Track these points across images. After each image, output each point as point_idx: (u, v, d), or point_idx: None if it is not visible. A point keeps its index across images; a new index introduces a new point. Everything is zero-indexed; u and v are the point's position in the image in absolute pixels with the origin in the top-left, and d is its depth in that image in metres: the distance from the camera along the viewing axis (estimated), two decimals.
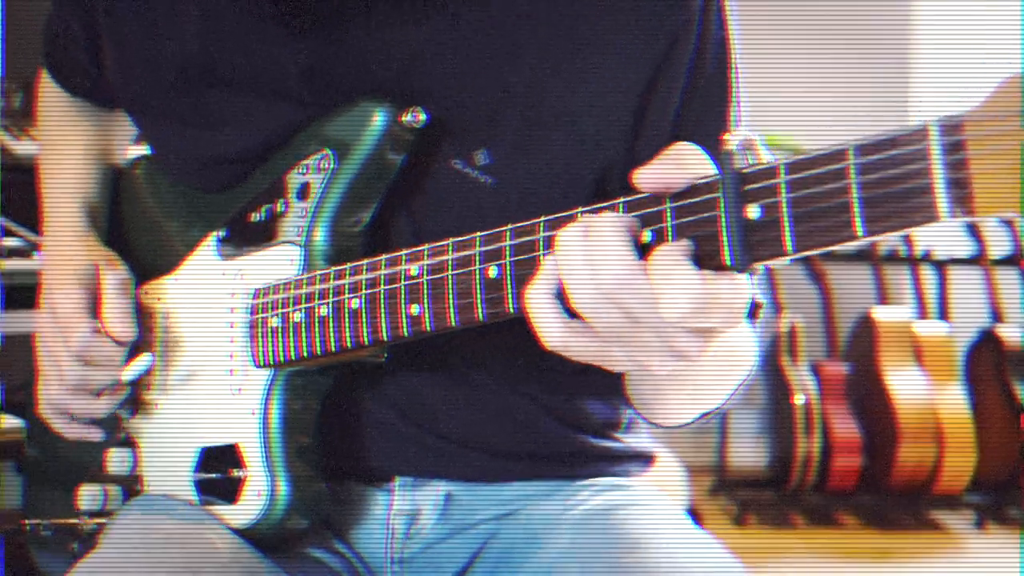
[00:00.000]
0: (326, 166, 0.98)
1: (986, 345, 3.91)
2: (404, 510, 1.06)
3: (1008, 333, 3.87)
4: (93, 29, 1.13)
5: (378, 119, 0.96)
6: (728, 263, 0.67)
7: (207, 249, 1.06)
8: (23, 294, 1.95)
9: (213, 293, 1.04)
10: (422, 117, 0.96)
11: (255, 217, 1.02)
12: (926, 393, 3.72)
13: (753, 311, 1.03)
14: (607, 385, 1.11)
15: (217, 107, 1.05)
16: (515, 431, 1.05)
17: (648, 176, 0.70)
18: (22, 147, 2.27)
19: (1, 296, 1.94)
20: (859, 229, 0.62)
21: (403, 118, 0.96)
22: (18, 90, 2.38)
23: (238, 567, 0.91)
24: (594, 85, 0.97)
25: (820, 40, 4.28)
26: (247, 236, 1.03)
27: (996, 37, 4.05)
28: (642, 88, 0.97)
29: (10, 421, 2.01)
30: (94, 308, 1.07)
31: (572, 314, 0.72)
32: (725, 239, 0.67)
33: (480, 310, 0.81)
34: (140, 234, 1.17)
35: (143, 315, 1.10)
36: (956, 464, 3.68)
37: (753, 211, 0.66)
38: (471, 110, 0.98)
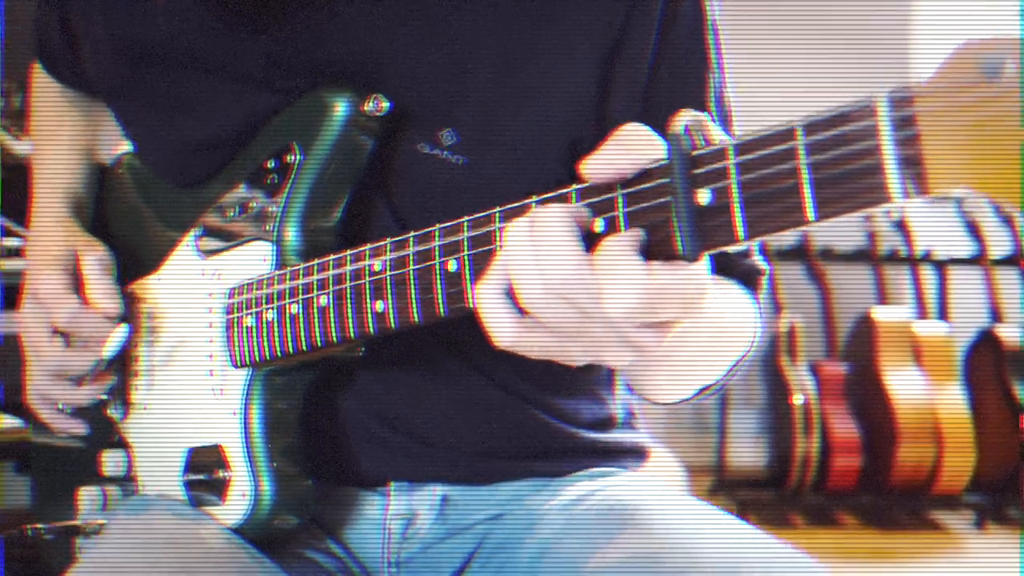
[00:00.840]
0: (293, 160, 0.97)
1: (985, 345, 3.91)
2: (400, 512, 1.05)
3: (1007, 333, 3.87)
4: (67, 18, 1.13)
5: (340, 110, 0.95)
6: (680, 251, 0.64)
7: (186, 247, 1.05)
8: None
9: (192, 292, 1.03)
10: (384, 105, 0.95)
11: (228, 214, 1.01)
12: (925, 393, 3.72)
13: (755, 281, 1.02)
14: (599, 378, 1.11)
15: (186, 90, 1.04)
16: (506, 430, 1.05)
17: (595, 165, 0.67)
18: (22, 147, 2.27)
19: (1, 296, 1.93)
20: (810, 213, 0.59)
21: (365, 107, 0.95)
22: (18, 90, 2.38)
23: (234, 566, 0.91)
24: (554, 57, 0.96)
25: (819, 40, 4.28)
26: (222, 233, 1.02)
27: (995, 32, 4.05)
28: (603, 57, 0.96)
29: (10, 421, 2.00)
30: (77, 290, 1.06)
31: (523, 311, 0.70)
32: (676, 227, 0.64)
33: (441, 305, 0.79)
34: (125, 232, 1.16)
35: (129, 309, 1.09)
36: (955, 464, 3.68)
37: (704, 196, 0.62)
38: (433, 91, 0.97)
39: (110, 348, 1.04)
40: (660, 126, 0.92)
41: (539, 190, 0.74)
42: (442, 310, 0.79)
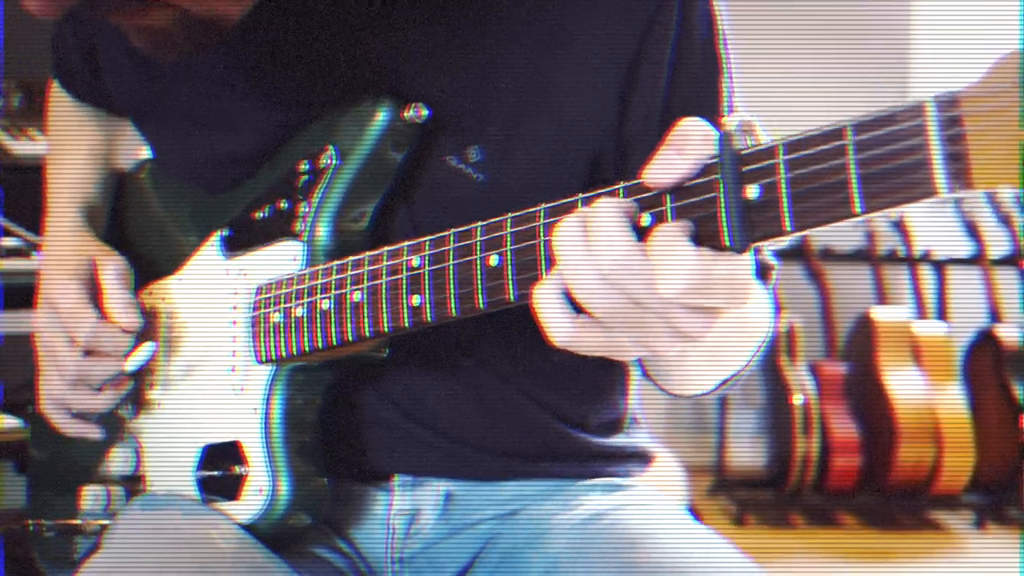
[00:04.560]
0: (329, 163, 0.98)
1: (985, 345, 3.91)
2: (404, 509, 1.06)
3: (1007, 333, 3.87)
4: (86, 40, 1.14)
5: (381, 116, 0.97)
6: (727, 243, 0.67)
7: (211, 248, 1.07)
8: (23, 294, 1.95)
9: (216, 292, 1.04)
10: (424, 113, 0.97)
11: (259, 215, 1.03)
12: (925, 393, 3.73)
13: (765, 273, 1.03)
14: (608, 383, 1.11)
15: (215, 108, 1.05)
16: (515, 429, 1.06)
17: (656, 171, 0.69)
18: (22, 147, 2.27)
19: (1, 296, 1.94)
20: (857, 206, 0.62)
21: (405, 114, 0.97)
22: (18, 90, 2.38)
23: (245, 565, 0.91)
24: (575, 76, 0.98)
25: (818, 38, 4.28)
26: (251, 234, 1.03)
27: (995, 34, 4.05)
28: (623, 73, 0.97)
29: (10, 421, 2.01)
30: (95, 300, 1.07)
31: (578, 309, 0.71)
32: (724, 220, 0.67)
33: (481, 298, 0.81)
34: (146, 237, 1.17)
35: (147, 315, 1.10)
36: (955, 464, 3.68)
37: (752, 191, 0.65)
38: (463, 108, 0.99)
39: (133, 364, 1.04)
40: None
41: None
42: (481, 303, 0.81)
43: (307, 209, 0.99)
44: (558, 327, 0.72)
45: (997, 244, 3.98)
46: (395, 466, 1.05)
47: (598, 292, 0.69)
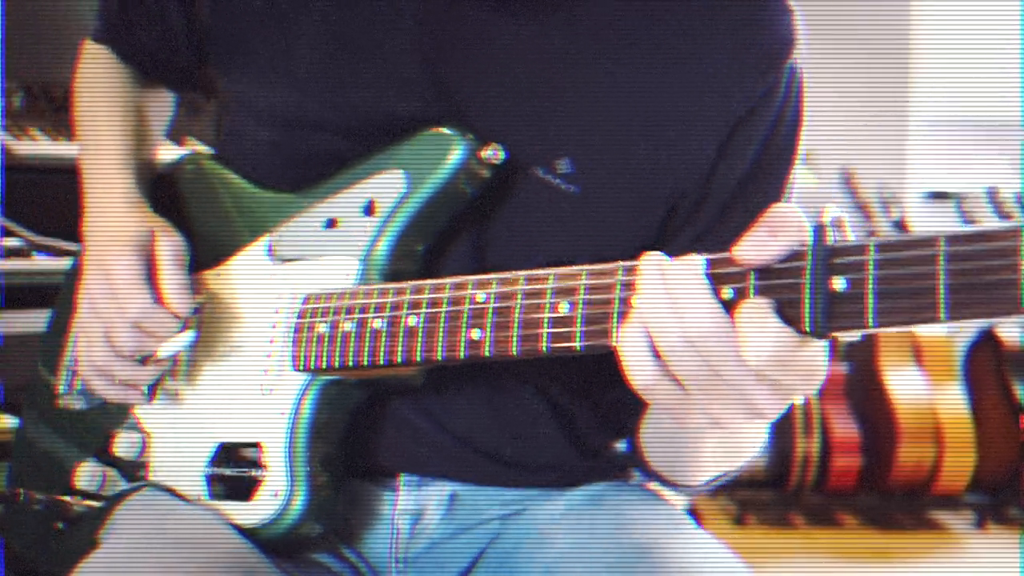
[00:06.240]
0: (397, 187, 0.98)
1: (985, 345, 3.91)
2: (409, 509, 1.06)
3: (1007, 333, 3.87)
4: (193, 13, 1.11)
5: (457, 151, 0.96)
6: (808, 329, 0.69)
7: (258, 248, 1.06)
8: (23, 294, 1.95)
9: (258, 292, 1.04)
10: (501, 155, 0.96)
11: (315, 225, 1.02)
12: (925, 393, 3.73)
13: None
14: (627, 404, 1.11)
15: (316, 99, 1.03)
16: (528, 442, 1.05)
17: (747, 248, 0.71)
18: (22, 147, 2.27)
19: (1, 296, 1.94)
20: (942, 313, 0.64)
21: (483, 153, 0.96)
22: (18, 90, 2.38)
23: (240, 568, 0.91)
24: (689, 112, 0.98)
25: (818, 38, 4.28)
26: (303, 243, 1.03)
27: (995, 40, 4.05)
28: (729, 128, 0.98)
29: (10, 421, 2.01)
30: (149, 276, 1.04)
31: (659, 356, 0.73)
32: (807, 305, 0.69)
33: (544, 342, 0.82)
34: (187, 229, 1.13)
35: (199, 301, 1.08)
36: (955, 464, 3.68)
37: (839, 283, 0.68)
38: (559, 118, 0.98)
39: (166, 350, 1.03)
40: (744, 207, 0.97)
41: (638, 231, 0.76)
42: (545, 347, 0.82)
43: (369, 229, 0.98)
44: (639, 372, 0.74)
45: None
46: (401, 465, 1.05)
47: (682, 355, 0.71)
